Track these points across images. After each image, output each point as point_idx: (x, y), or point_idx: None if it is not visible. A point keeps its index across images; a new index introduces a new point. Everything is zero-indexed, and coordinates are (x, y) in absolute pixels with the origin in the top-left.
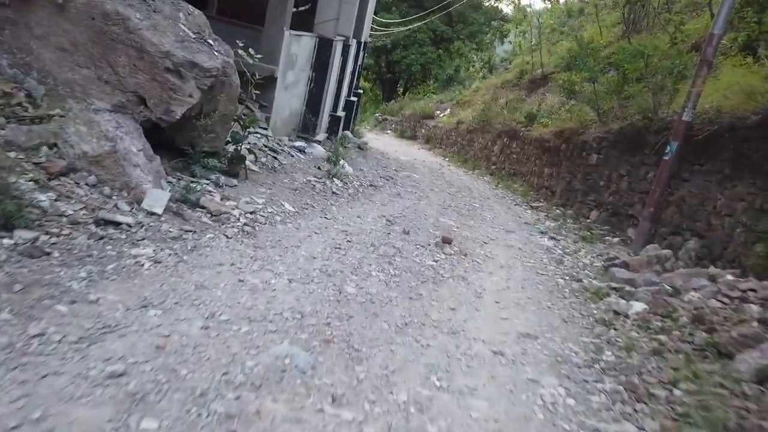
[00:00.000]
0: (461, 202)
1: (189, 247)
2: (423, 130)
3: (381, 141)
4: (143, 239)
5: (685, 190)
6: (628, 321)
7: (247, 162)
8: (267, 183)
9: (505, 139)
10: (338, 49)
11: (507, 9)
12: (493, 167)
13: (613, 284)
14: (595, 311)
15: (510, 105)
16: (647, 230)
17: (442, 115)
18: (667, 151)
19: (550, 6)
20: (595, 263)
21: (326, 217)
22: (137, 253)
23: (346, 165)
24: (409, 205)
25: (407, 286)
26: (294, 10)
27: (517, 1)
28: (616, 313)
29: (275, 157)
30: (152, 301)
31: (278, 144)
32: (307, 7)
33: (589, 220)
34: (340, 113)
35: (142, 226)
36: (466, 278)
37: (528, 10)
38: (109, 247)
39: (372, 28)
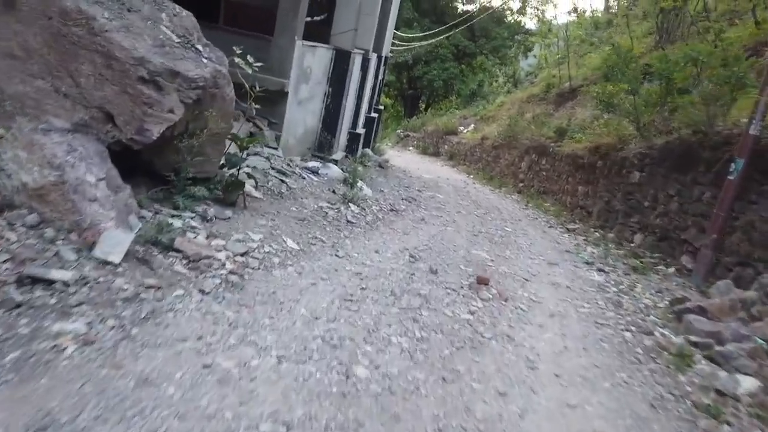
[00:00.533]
0: (491, 226)
1: (143, 314)
2: (446, 147)
3: (403, 158)
4: (80, 305)
5: (754, 214)
6: (740, 407)
7: (246, 188)
8: (270, 213)
9: (534, 156)
10: (357, 62)
11: (530, 23)
12: (521, 185)
13: (693, 338)
14: (688, 387)
15: (537, 119)
16: (709, 260)
17: (465, 130)
18: (732, 169)
19: (576, 18)
20: (658, 304)
21: (337, 255)
22: (61, 329)
23: (364, 187)
24: (435, 232)
25: (438, 356)
26: (308, 19)
27: (541, 15)
28: (720, 393)
29: (283, 181)
30: (57, 418)
31: (288, 165)
32: (322, 17)
33: (633, 245)
34: (360, 130)
35: (85, 284)
36: (513, 337)
37: (553, 22)
38: (24, 321)
39: (393, 43)
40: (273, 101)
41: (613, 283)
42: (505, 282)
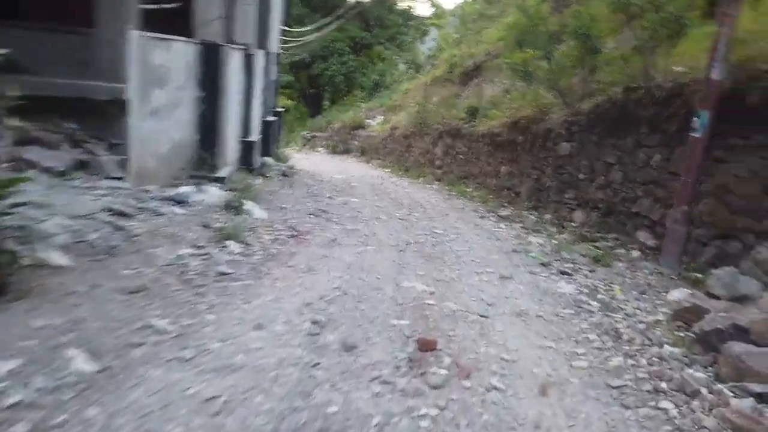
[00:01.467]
0: (419, 230)
1: None
2: (356, 142)
3: (311, 161)
4: None
5: (726, 176)
6: None
7: (43, 255)
8: (75, 293)
9: (448, 140)
10: (236, 59)
11: (421, 7)
12: (440, 172)
13: (754, 386)
14: None
15: (446, 102)
16: (682, 237)
17: (373, 123)
18: (695, 125)
19: None
20: (658, 317)
21: (182, 357)
22: None
23: (255, 209)
24: (351, 260)
25: None
26: (152, 6)
27: None
28: None
29: (119, 227)
30: None
31: (137, 200)
32: (176, 5)
33: (575, 224)
34: (254, 138)
35: None
36: None
37: (444, 4)
38: None
39: (285, 41)
40: (106, 115)
41: (586, 292)
42: (459, 332)
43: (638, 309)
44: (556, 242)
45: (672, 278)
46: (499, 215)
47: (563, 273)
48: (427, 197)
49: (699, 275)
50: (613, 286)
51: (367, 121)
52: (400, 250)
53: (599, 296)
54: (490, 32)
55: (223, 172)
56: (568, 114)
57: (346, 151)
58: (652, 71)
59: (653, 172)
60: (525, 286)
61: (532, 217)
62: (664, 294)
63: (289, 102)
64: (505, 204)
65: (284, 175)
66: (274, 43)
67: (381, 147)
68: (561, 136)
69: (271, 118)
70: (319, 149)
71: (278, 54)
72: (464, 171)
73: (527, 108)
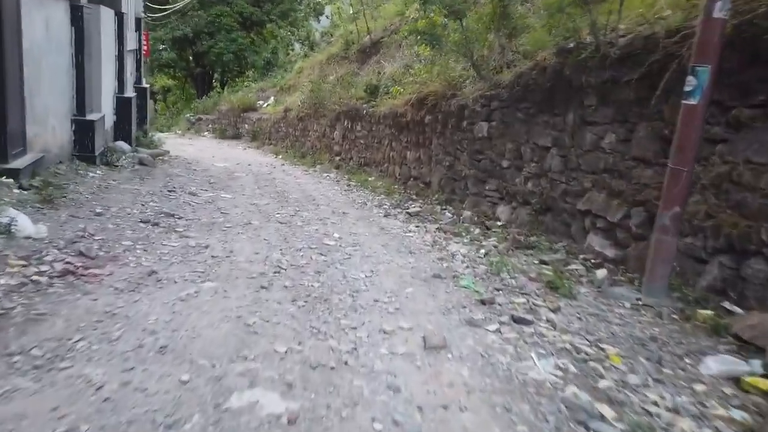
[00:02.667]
0: (302, 240)
1: None
2: (246, 126)
3: (195, 146)
4: None
5: (729, 160)
6: None
7: None
8: None
9: (346, 122)
10: (60, 14)
11: None
12: (338, 159)
13: None
14: None
15: (343, 81)
16: (673, 252)
17: (265, 104)
18: (690, 87)
19: None
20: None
21: None
22: None
23: (23, 221)
24: (155, 328)
25: None
26: None
27: None
28: None
29: None
30: None
31: None
32: None
33: (500, 223)
34: (98, 115)
35: None
36: None
37: None
38: None
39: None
40: None
41: (575, 372)
42: None
43: (675, 410)
44: (485, 252)
45: (674, 318)
46: (408, 212)
47: (518, 321)
48: (322, 189)
49: (713, 314)
50: (603, 347)
51: (259, 102)
52: (261, 288)
53: (602, 383)
54: (388, 7)
55: (19, 162)
56: (485, 87)
57: (236, 136)
58: (600, 24)
59: (607, 158)
60: (471, 369)
61: (448, 214)
62: (690, 363)
63: (170, 81)
64: (414, 197)
65: (141, 163)
66: (133, 4)
67: (273, 131)
68: (477, 115)
69: (129, 95)
70: (206, 134)
71: (140, 19)
72: (366, 157)
73: (435, 83)
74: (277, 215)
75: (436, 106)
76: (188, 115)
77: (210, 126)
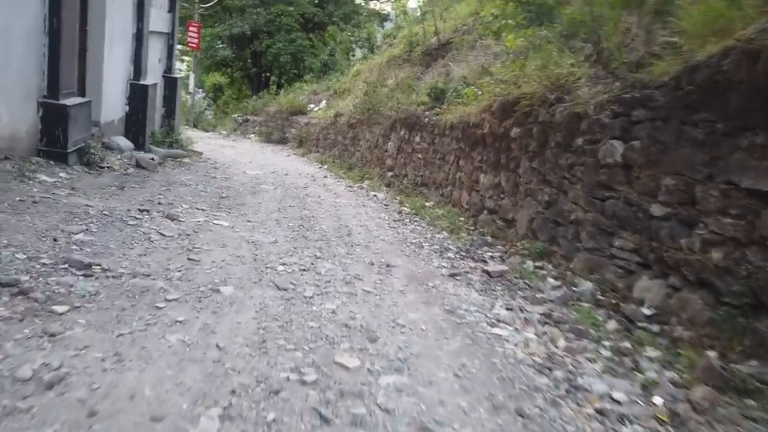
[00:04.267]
0: (301, 338)
1: None
2: (293, 130)
3: (235, 149)
4: None
5: None
6: None
7: None
8: None
9: (403, 131)
10: None
11: None
12: (390, 175)
13: None
14: None
15: (403, 85)
16: None
17: (316, 108)
18: None
19: None
20: None
21: None
22: None
23: None
24: None
25: None
26: None
27: None
28: None
29: None
30: None
31: None
32: None
33: (648, 311)
34: (83, 101)
35: None
36: None
37: None
38: None
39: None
40: None
41: None
42: None
43: None
44: (655, 399)
45: None
46: (486, 269)
47: None
48: (363, 217)
49: None
50: None
51: (310, 106)
52: None
53: None
54: (460, 8)
55: None
56: (618, 89)
57: (282, 141)
58: None
59: None
60: None
61: (551, 280)
62: None
63: (222, 79)
64: (490, 239)
65: (138, 166)
66: None
67: (321, 138)
68: (604, 129)
69: (148, 82)
70: (252, 136)
71: (173, 1)
72: (424, 176)
73: (529, 83)
74: (280, 268)
75: (530, 115)
76: (236, 115)
77: (257, 128)
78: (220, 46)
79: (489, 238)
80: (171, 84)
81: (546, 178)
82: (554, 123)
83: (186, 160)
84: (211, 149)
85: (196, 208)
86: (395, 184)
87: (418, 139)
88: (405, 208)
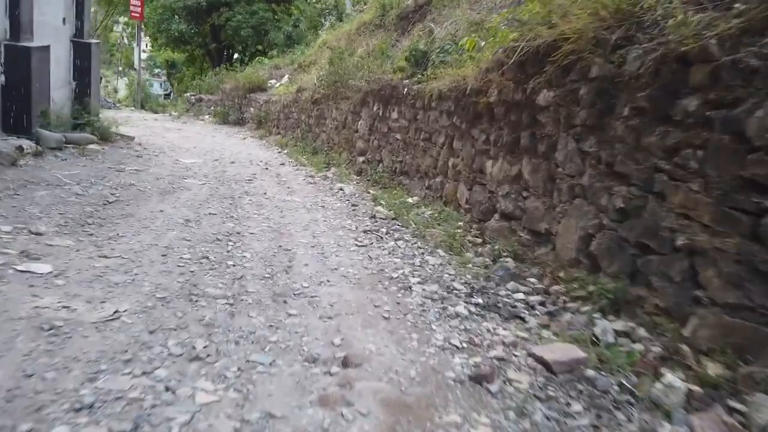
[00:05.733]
0: None
1: None
2: (251, 110)
3: (179, 133)
4: None
5: None
6: None
7: None
8: None
9: (376, 106)
10: None
11: None
12: (362, 160)
13: None
14: None
15: (376, 52)
16: None
17: (277, 84)
18: None
19: None
20: None
21: None
22: None
23: None
24: None
25: None
26: None
27: None
28: None
29: None
30: None
31: None
32: None
33: None
34: None
35: None
36: None
37: None
38: None
39: None
40: None
41: None
42: None
43: None
44: None
45: None
46: (536, 354)
47: None
48: (323, 226)
49: None
50: None
51: (271, 81)
52: None
53: None
54: None
55: None
56: None
57: (239, 122)
58: None
59: None
60: None
61: (677, 382)
62: None
63: (178, 55)
64: (512, 263)
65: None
66: None
67: (282, 117)
68: (752, 81)
69: (32, 44)
70: (206, 117)
71: None
72: (404, 162)
73: (574, 17)
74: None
75: (572, 69)
76: (188, 94)
77: (212, 108)
78: (175, 20)
79: (510, 261)
80: (83, 51)
81: (615, 168)
82: (627, 76)
83: (94, 146)
84: (151, 133)
85: (30, 232)
86: (367, 173)
87: (395, 114)
88: (380, 209)
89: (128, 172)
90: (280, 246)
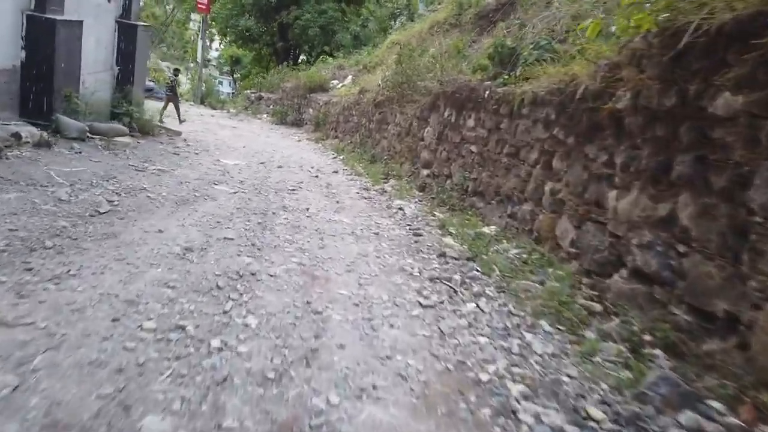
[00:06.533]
0: None
1: None
2: (311, 110)
3: (235, 131)
4: None
5: None
6: None
7: None
8: None
9: (448, 112)
10: None
11: None
12: (426, 174)
13: None
14: None
15: (450, 50)
16: None
17: (339, 85)
18: None
19: None
20: None
21: None
22: None
23: None
24: None
25: None
26: None
27: None
28: None
29: None
30: None
31: None
32: None
33: None
34: None
35: None
36: None
37: None
38: None
39: None
40: None
41: None
42: None
43: None
44: None
45: None
46: None
47: None
48: (373, 265)
49: None
50: None
51: (333, 82)
52: None
53: None
54: None
55: None
56: None
57: (297, 123)
58: None
59: None
60: None
61: None
62: None
63: (243, 52)
64: (667, 367)
65: None
66: None
67: (342, 120)
68: None
69: (65, 18)
70: (263, 115)
71: None
72: (478, 181)
73: None
74: None
75: None
76: (249, 91)
77: (271, 107)
78: (244, 16)
79: (660, 356)
80: (129, 34)
81: None
82: None
83: (124, 139)
84: (203, 129)
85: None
86: (432, 189)
87: (471, 122)
88: (450, 242)
89: (150, 172)
90: (308, 303)
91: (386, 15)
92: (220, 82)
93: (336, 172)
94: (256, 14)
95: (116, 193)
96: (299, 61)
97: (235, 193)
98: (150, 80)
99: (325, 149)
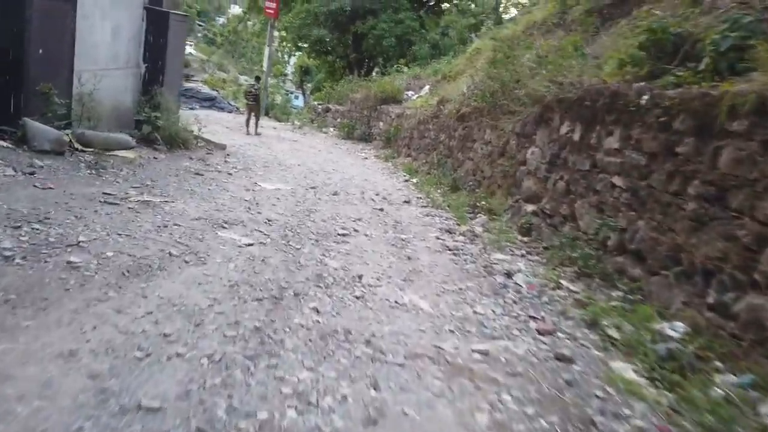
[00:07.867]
0: None
1: None
2: (381, 124)
3: (294, 145)
4: None
5: None
6: None
7: None
8: None
9: (567, 126)
10: None
11: None
12: (531, 211)
13: None
14: None
15: (565, 48)
16: None
17: (414, 96)
18: None
19: None
20: None
21: None
22: None
23: None
24: None
25: None
26: None
27: None
28: None
29: None
30: None
31: None
32: None
33: None
34: None
35: None
36: None
37: None
38: None
39: None
40: None
41: None
42: None
43: None
44: None
45: None
46: None
47: None
48: None
49: None
50: None
51: (408, 93)
52: None
53: None
54: None
55: None
56: None
57: (365, 138)
58: None
59: None
60: None
61: None
62: None
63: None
64: None
65: None
66: None
67: (416, 136)
68: None
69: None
70: (329, 129)
71: None
72: (637, 235)
73: None
74: None
75: None
76: (316, 103)
77: (338, 120)
78: (317, 26)
79: None
80: (159, 24)
81: None
82: None
83: (125, 154)
84: (258, 143)
85: None
86: (542, 233)
87: (613, 141)
88: (622, 368)
89: (125, 206)
90: None
91: (468, 25)
92: (296, 97)
93: (408, 201)
94: (329, 24)
95: (4, 257)
96: (373, 73)
97: (248, 246)
98: (213, 89)
99: (396, 169)
